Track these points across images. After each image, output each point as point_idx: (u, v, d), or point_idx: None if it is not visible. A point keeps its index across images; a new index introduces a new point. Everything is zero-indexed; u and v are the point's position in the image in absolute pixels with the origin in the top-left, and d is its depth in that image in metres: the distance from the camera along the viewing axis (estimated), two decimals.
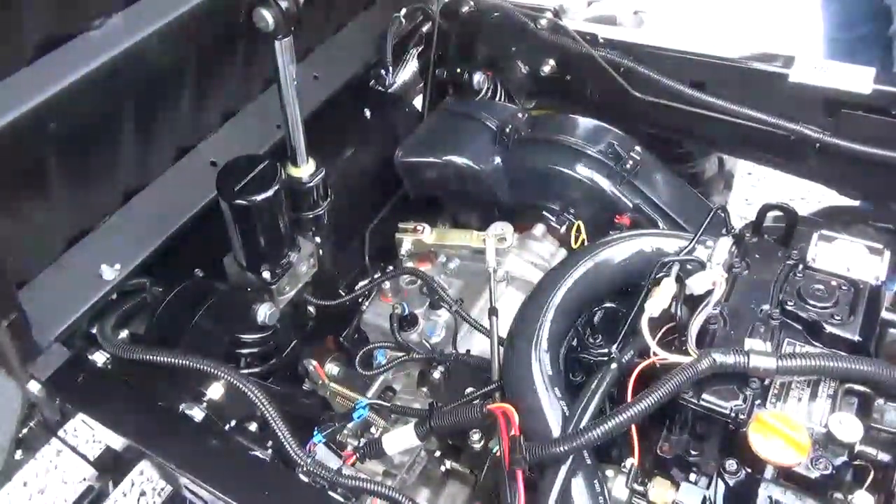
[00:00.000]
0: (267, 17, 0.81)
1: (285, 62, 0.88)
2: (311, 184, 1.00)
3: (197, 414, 0.85)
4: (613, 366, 0.80)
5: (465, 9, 1.36)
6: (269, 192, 0.89)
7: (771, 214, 0.99)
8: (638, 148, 1.18)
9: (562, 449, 0.72)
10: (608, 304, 0.94)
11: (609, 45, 1.25)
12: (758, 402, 0.76)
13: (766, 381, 0.77)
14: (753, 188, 1.40)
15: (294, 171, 1.00)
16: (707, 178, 1.47)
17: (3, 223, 0.79)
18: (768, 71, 1.17)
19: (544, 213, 1.19)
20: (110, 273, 0.91)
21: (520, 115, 1.25)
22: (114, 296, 0.93)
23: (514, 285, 1.11)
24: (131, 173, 0.97)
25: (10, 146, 0.70)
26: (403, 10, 1.36)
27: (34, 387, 0.84)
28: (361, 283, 1.15)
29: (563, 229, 1.18)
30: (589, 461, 0.77)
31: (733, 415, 0.75)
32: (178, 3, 0.81)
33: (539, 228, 1.20)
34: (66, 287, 0.89)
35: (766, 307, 0.84)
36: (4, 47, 0.70)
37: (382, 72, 1.35)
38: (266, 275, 0.97)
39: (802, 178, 1.27)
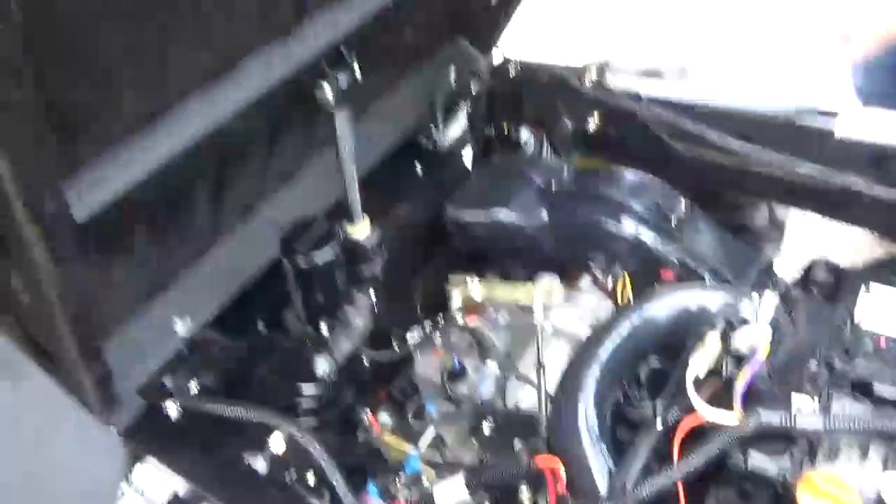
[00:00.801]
0: (328, 92, 0.88)
1: (343, 131, 0.95)
2: (367, 241, 1.06)
3: (260, 464, 0.90)
4: (659, 423, 0.82)
5: (512, 71, 1.43)
6: (330, 255, 0.95)
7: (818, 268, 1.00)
8: (683, 201, 1.20)
9: None
10: (654, 360, 0.95)
11: (653, 102, 1.29)
12: (806, 461, 0.76)
13: (815, 441, 0.78)
14: (805, 236, 1.39)
15: (351, 229, 1.06)
16: (758, 228, 1.47)
17: (91, 280, 0.86)
18: (814, 126, 1.19)
19: (591, 265, 1.22)
20: (183, 327, 0.97)
21: (565, 169, 1.29)
22: (185, 349, 1.00)
23: (561, 339, 1.14)
24: (204, 233, 1.04)
25: (111, 216, 0.78)
26: (453, 71, 1.43)
27: None
28: (413, 335, 1.19)
29: (609, 282, 1.20)
30: None
31: (781, 476, 0.76)
32: (254, 81, 0.88)
33: (585, 281, 1.23)
34: (143, 340, 0.96)
35: (813, 365, 0.85)
36: (101, 123, 0.77)
37: (433, 129, 1.42)
38: (324, 329, 1.02)
39: (853, 225, 1.27)
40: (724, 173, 1.25)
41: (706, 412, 0.79)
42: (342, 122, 0.94)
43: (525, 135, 1.39)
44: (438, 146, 1.45)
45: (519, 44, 1.57)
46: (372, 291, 1.10)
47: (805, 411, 0.76)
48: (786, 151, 1.19)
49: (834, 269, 0.98)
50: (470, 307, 1.21)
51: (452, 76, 1.43)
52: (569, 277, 1.24)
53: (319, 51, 0.92)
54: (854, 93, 1.93)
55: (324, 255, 0.95)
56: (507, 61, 1.43)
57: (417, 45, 1.37)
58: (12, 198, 0.63)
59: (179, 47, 0.78)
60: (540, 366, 1.01)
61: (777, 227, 1.59)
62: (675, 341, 0.94)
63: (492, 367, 1.13)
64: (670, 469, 0.74)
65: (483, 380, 1.11)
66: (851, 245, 1.47)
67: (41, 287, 0.72)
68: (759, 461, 0.76)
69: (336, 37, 0.93)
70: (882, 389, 0.81)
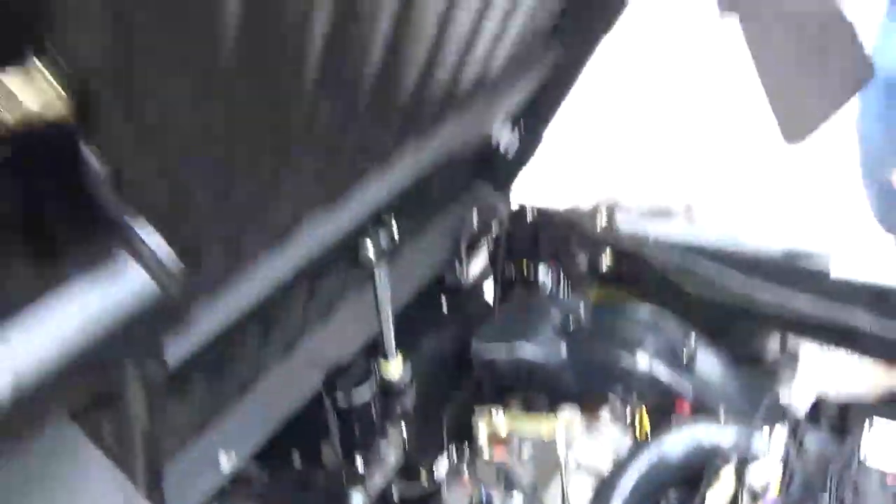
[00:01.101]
0: (370, 251, 0.99)
1: (382, 284, 1.06)
2: (401, 379, 1.14)
3: None
4: None
5: (529, 215, 1.56)
6: (367, 394, 1.03)
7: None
8: (693, 335, 1.28)
9: None
10: (672, 494, 1.00)
11: (660, 244, 1.40)
12: None
13: None
14: (816, 368, 1.46)
15: (385, 367, 1.14)
16: (771, 358, 1.53)
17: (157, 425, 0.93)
18: (811, 267, 1.29)
19: (609, 398, 1.28)
20: (228, 461, 1.04)
21: (581, 306, 1.38)
22: (227, 483, 1.06)
23: (583, 472, 1.19)
24: (249, 370, 1.13)
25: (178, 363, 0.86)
26: (475, 214, 1.56)
27: None
28: (441, 467, 1.25)
29: (627, 415, 1.26)
30: None
31: None
32: (303, 245, 0.99)
33: (605, 414, 1.29)
34: (189, 474, 1.02)
35: (824, 501, 0.89)
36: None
37: (457, 267, 1.53)
38: (359, 464, 1.09)
39: (860, 356, 1.33)
40: (729, 309, 1.34)
41: None
42: (382, 277, 1.05)
43: (543, 273, 1.50)
44: (462, 283, 1.56)
45: (533, 185, 1.72)
46: (403, 423, 1.17)
47: None
48: (789, 288, 1.28)
49: (841, 404, 1.04)
50: (496, 439, 1.27)
51: (475, 219, 1.56)
52: (588, 410, 1.30)
53: (365, 216, 1.04)
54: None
55: (362, 394, 1.03)
56: (523, 207, 1.57)
57: (443, 194, 1.51)
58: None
59: (250, 224, 0.89)
60: (564, 499, 1.05)
61: (791, 356, 1.65)
62: (691, 476, 0.99)
63: (518, 499, 1.17)
64: None
65: None
66: (861, 376, 1.53)
67: (126, 424, 0.79)
68: None
69: (380, 203, 1.06)
70: None
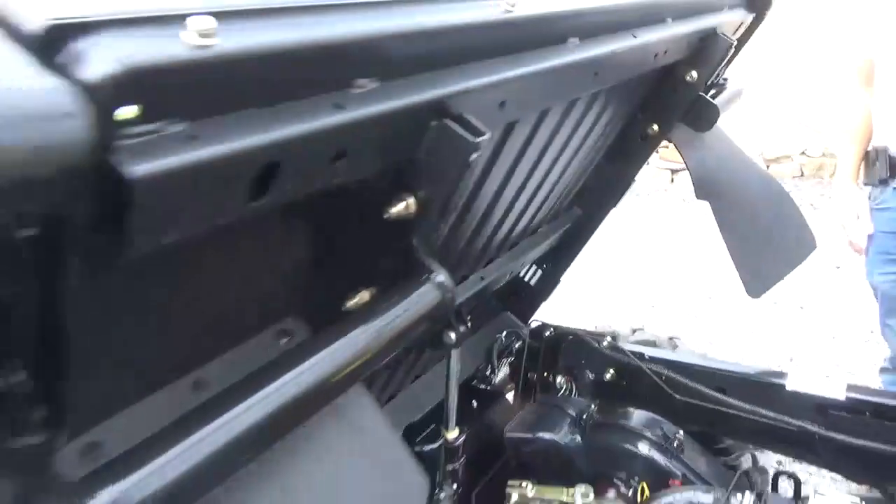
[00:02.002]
0: (452, 337, 1.35)
1: (455, 363, 1.41)
2: (458, 444, 1.46)
3: None
4: None
5: (546, 333, 1.94)
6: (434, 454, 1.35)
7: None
8: (681, 433, 1.62)
9: None
10: None
11: (653, 361, 1.78)
12: None
13: None
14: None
15: (447, 433, 1.46)
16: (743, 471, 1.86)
17: None
18: (770, 382, 1.66)
19: (615, 479, 1.60)
20: None
21: (592, 406, 1.72)
22: None
23: None
24: None
25: None
26: (504, 333, 1.93)
27: None
28: None
29: (630, 493, 1.57)
30: None
31: None
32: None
33: (611, 494, 1.59)
34: None
35: None
36: None
37: (488, 374, 1.88)
38: None
39: (816, 467, 1.67)
40: (708, 416, 1.69)
41: None
42: (455, 357, 1.40)
43: (560, 380, 1.85)
44: (490, 387, 1.90)
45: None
46: (455, 486, 1.47)
47: None
48: (754, 399, 1.64)
49: (793, 478, 1.37)
50: None
51: (503, 337, 1.93)
52: (598, 492, 1.60)
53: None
54: None
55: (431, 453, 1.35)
56: (543, 325, 1.95)
57: (482, 315, 1.89)
58: None
59: None
60: None
61: (759, 472, 1.98)
62: None
63: None
64: None
65: None
66: None
67: None
68: None
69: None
70: None
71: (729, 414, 1.65)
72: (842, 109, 2.63)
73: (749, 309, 3.66)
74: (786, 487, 1.46)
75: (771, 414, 1.60)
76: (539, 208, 1.52)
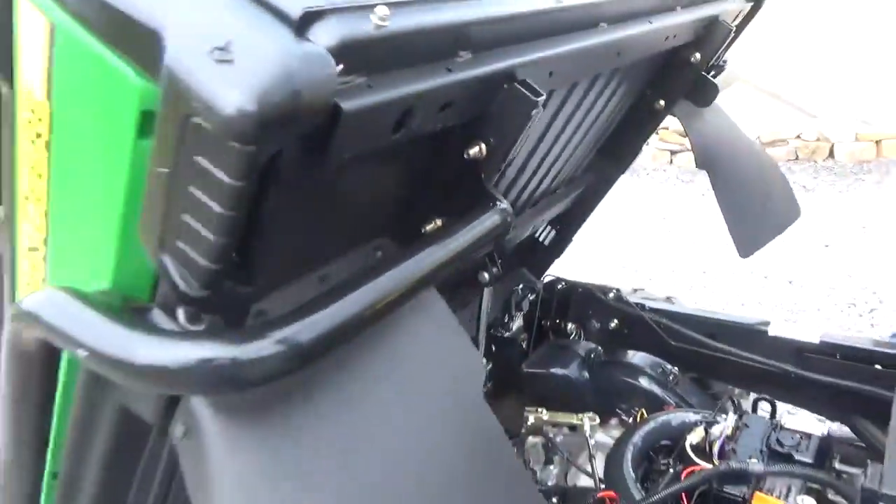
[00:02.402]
0: (486, 276, 1.58)
1: (486, 301, 1.64)
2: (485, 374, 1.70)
3: None
4: (670, 471, 1.41)
5: (559, 286, 2.17)
6: None
7: None
8: (676, 370, 1.87)
9: None
10: (664, 443, 1.55)
11: (653, 311, 2.02)
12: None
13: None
14: None
15: None
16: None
17: None
18: (755, 329, 1.90)
19: (618, 409, 1.84)
20: None
21: (599, 349, 1.97)
22: None
23: (600, 450, 1.72)
24: None
25: None
26: (521, 286, 2.16)
27: None
28: None
29: (630, 420, 1.81)
30: None
31: (741, 497, 1.33)
32: None
33: (614, 421, 1.84)
34: None
35: (757, 446, 1.46)
36: None
37: (506, 321, 2.11)
38: None
39: (792, 405, 1.91)
40: (698, 359, 1.93)
41: (699, 463, 1.38)
42: (487, 296, 1.63)
43: (570, 327, 2.09)
44: (507, 334, 2.13)
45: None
46: None
47: (753, 463, 1.35)
48: (740, 344, 1.88)
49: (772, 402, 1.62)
50: (537, 427, 1.80)
51: (520, 290, 2.16)
52: (602, 420, 1.85)
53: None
54: None
55: None
56: (556, 279, 2.19)
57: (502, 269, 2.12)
58: None
59: None
60: (591, 458, 1.59)
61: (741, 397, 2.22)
62: (676, 435, 1.54)
63: (554, 468, 1.70)
64: (667, 489, 1.31)
65: (549, 474, 1.68)
66: None
67: None
68: (728, 490, 1.33)
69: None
70: (800, 458, 1.41)
71: (717, 357, 1.90)
72: None
73: (740, 282, 3.93)
74: (765, 413, 1.71)
75: (754, 357, 1.84)
76: (560, 170, 1.74)
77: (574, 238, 2.25)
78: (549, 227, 2.21)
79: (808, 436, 1.47)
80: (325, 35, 0.60)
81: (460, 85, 0.77)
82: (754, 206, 2.11)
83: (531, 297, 2.19)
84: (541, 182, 1.68)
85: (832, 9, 6.09)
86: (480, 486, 0.91)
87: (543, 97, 0.88)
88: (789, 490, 1.36)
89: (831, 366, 1.77)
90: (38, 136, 0.76)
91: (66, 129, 0.73)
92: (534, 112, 0.87)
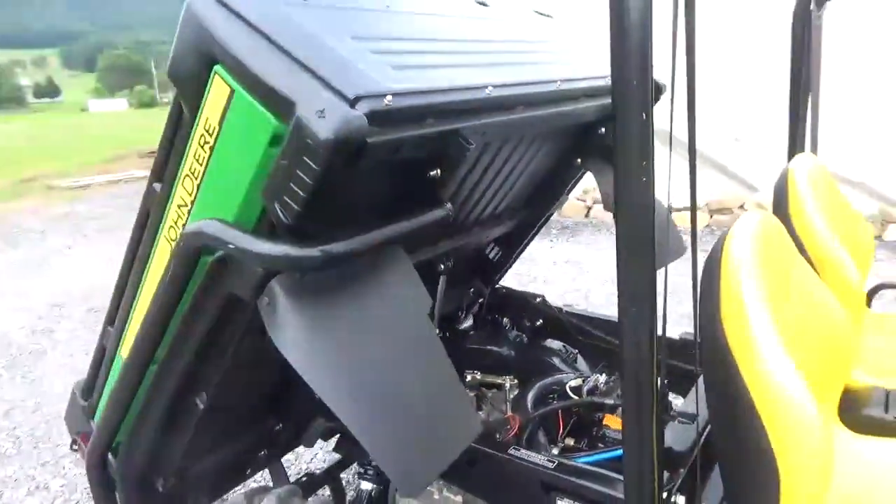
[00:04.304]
0: (441, 267, 2.28)
1: (441, 286, 2.33)
2: None
3: None
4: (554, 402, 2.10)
5: (501, 292, 2.89)
6: None
7: None
8: (576, 352, 2.57)
9: None
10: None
11: (568, 314, 2.73)
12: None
13: None
14: None
15: None
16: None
17: None
18: None
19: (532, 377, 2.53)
20: None
21: (523, 336, 2.67)
22: None
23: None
24: None
25: None
26: (472, 290, 2.87)
27: None
28: None
29: None
30: None
31: (599, 418, 2.02)
32: None
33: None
34: None
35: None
36: None
37: (459, 316, 2.81)
38: None
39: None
40: (597, 349, 2.63)
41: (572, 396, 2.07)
42: (442, 283, 2.32)
43: (505, 321, 2.79)
44: (460, 327, 2.83)
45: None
46: None
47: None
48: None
49: None
50: (471, 386, 2.48)
51: (471, 293, 2.87)
52: (519, 384, 2.53)
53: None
54: None
55: None
56: (499, 287, 2.90)
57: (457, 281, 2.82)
58: None
59: None
60: (506, 402, 2.27)
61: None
62: (564, 387, 2.23)
63: (483, 410, 2.37)
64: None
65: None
66: None
67: None
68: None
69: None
70: None
71: (609, 348, 2.61)
72: None
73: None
74: None
75: None
76: (502, 201, 2.46)
77: (515, 259, 2.98)
78: (495, 247, 2.93)
79: None
80: (363, 107, 1.31)
81: (428, 134, 1.49)
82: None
83: (480, 301, 2.90)
84: (486, 207, 2.40)
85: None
86: (421, 363, 1.58)
87: (473, 145, 1.60)
88: None
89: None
90: (206, 143, 1.47)
91: (226, 141, 1.43)
92: (467, 153, 1.59)
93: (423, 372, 1.53)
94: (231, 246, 1.35)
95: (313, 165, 1.26)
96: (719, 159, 7.46)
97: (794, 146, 2.46)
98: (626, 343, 1.23)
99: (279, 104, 1.30)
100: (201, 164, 1.51)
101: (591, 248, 7.03)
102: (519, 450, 1.86)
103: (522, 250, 2.97)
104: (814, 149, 2.59)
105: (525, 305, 2.80)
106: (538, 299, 2.80)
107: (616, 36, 1.07)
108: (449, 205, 1.68)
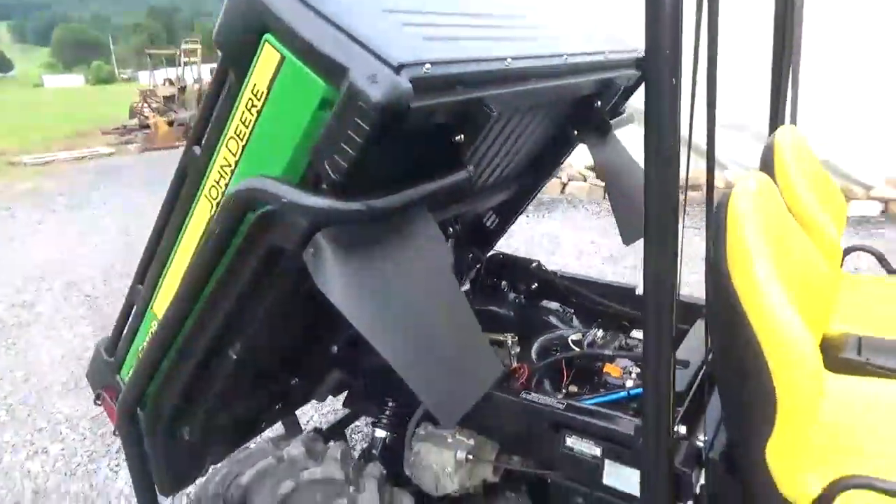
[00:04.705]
0: (451, 231, 2.41)
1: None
2: None
3: None
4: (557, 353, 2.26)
5: (499, 258, 3.04)
6: None
7: None
8: (571, 312, 2.74)
9: None
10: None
11: (561, 277, 2.89)
12: None
13: None
14: None
15: None
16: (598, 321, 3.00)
17: None
18: (625, 289, 2.79)
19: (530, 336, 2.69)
20: None
21: (522, 297, 2.83)
22: None
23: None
24: None
25: None
26: (470, 256, 3.01)
27: None
28: None
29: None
30: None
31: (599, 366, 2.20)
32: None
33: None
34: None
35: (615, 345, 2.33)
36: None
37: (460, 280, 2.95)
38: None
39: None
40: (589, 309, 2.80)
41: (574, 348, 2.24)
42: (449, 246, 2.45)
43: (503, 284, 2.95)
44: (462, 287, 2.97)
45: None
46: None
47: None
48: (615, 301, 2.77)
49: None
50: None
51: (469, 259, 3.01)
52: (519, 341, 2.69)
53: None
54: None
55: None
56: (496, 253, 3.05)
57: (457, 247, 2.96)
58: None
59: None
60: (510, 356, 2.43)
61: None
62: (565, 341, 2.40)
63: None
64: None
65: None
66: None
67: None
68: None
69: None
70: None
71: (601, 309, 2.78)
72: None
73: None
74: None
75: (625, 308, 2.73)
76: (505, 169, 2.60)
77: (509, 227, 3.13)
78: (492, 215, 3.08)
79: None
80: (406, 74, 1.44)
81: (457, 102, 1.62)
82: (636, 208, 2.98)
83: (477, 266, 3.05)
84: (492, 174, 2.54)
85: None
86: (448, 308, 1.72)
87: (496, 113, 1.73)
88: (627, 369, 2.23)
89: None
90: (254, 106, 1.57)
91: (274, 105, 1.53)
92: (491, 119, 1.72)
93: (450, 316, 1.67)
94: (284, 200, 1.46)
95: (364, 127, 1.37)
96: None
97: (776, 118, 2.64)
98: (650, 299, 1.39)
99: (330, 70, 1.41)
100: (247, 127, 1.61)
101: (568, 224, 7.23)
102: (530, 394, 2.03)
103: (515, 219, 3.13)
104: (793, 121, 2.78)
105: (522, 270, 2.95)
106: (534, 264, 2.96)
107: (650, 7, 1.21)
108: (471, 167, 1.81)
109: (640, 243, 2.64)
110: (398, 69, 1.41)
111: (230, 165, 1.69)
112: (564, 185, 8.26)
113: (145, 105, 18.96)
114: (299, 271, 1.68)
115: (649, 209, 1.36)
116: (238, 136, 1.65)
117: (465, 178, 1.78)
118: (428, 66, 1.49)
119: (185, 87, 20.19)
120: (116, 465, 3.66)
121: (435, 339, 1.61)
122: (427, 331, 1.60)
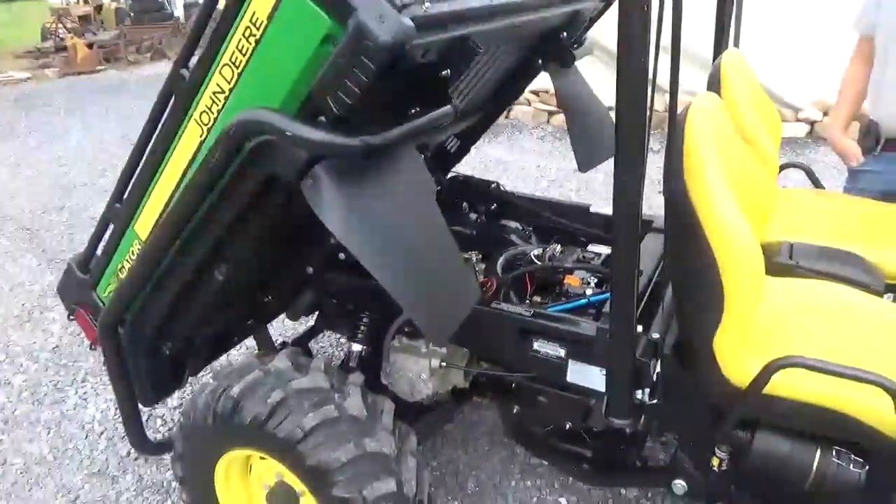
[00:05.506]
0: (427, 155, 2.52)
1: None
2: None
3: None
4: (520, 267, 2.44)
5: (459, 180, 3.16)
6: None
7: None
8: (530, 229, 2.91)
9: None
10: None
11: (518, 198, 3.05)
12: None
13: None
14: None
15: None
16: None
17: None
18: (581, 207, 2.98)
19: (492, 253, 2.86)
20: None
21: (483, 217, 2.98)
22: None
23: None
24: None
25: None
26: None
27: None
28: None
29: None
30: None
31: (561, 279, 2.39)
32: None
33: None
34: None
35: (572, 258, 2.52)
36: None
37: None
38: None
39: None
40: (547, 227, 2.97)
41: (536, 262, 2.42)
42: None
43: (465, 205, 3.08)
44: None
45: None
46: None
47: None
48: (571, 219, 2.95)
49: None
50: None
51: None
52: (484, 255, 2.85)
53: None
54: None
55: None
56: (457, 175, 3.17)
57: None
58: None
59: None
60: (474, 269, 2.59)
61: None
62: (528, 257, 2.58)
63: None
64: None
65: None
66: None
67: None
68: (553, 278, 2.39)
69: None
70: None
71: (558, 227, 2.96)
72: (844, 78, 3.19)
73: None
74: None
75: (580, 226, 2.92)
76: (474, 98, 2.69)
77: (469, 149, 3.25)
78: (454, 139, 3.18)
79: (599, 255, 2.55)
80: (408, 13, 1.50)
81: (449, 38, 1.69)
82: (592, 138, 3.13)
83: (439, 188, 3.16)
84: (461, 102, 2.63)
85: None
86: (433, 234, 1.83)
87: (482, 49, 1.82)
88: (586, 280, 2.42)
89: None
90: (252, 35, 1.59)
91: (274, 36, 1.54)
92: (478, 54, 1.80)
93: (435, 242, 1.80)
94: (288, 133, 1.52)
95: (370, 64, 1.42)
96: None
97: (721, 43, 2.81)
98: (620, 210, 1.55)
99: (336, 6, 1.45)
100: (244, 55, 1.64)
101: (515, 148, 7.36)
102: (500, 303, 2.20)
103: (475, 141, 3.24)
104: (736, 45, 2.96)
105: (481, 191, 3.09)
106: (493, 185, 3.10)
107: None
108: (456, 101, 1.91)
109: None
110: (400, 8, 1.46)
111: (223, 92, 1.74)
112: (509, 110, 8.33)
113: (60, 26, 17.74)
114: (290, 197, 1.75)
115: (621, 123, 1.49)
116: (234, 63, 1.68)
117: (450, 111, 1.86)
118: (427, 4, 1.55)
119: (102, 5, 19.00)
120: (84, 394, 3.72)
121: (424, 262, 1.74)
122: (416, 254, 1.72)
